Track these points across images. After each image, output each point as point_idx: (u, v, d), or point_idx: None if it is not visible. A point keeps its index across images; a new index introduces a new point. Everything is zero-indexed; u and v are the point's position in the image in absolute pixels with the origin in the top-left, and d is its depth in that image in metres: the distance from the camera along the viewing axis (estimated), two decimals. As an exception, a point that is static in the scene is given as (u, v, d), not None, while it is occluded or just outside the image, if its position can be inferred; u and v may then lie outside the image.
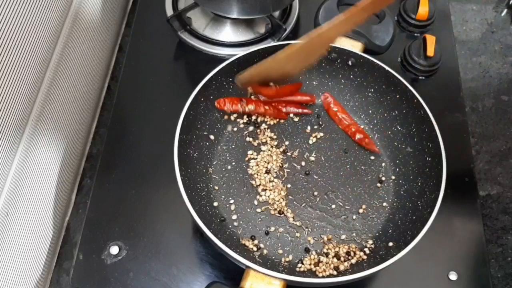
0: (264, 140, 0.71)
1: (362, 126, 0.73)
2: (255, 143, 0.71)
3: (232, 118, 0.73)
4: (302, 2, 0.90)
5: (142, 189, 0.70)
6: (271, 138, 0.72)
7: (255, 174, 0.68)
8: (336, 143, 0.72)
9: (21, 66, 0.56)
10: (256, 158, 0.70)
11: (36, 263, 0.66)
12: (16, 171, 0.58)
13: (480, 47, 0.94)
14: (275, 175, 0.69)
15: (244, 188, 0.68)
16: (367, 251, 0.63)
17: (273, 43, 0.73)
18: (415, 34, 0.89)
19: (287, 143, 0.72)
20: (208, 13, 0.85)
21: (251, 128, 0.72)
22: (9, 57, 0.53)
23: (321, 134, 0.73)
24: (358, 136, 0.71)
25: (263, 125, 0.73)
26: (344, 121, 0.73)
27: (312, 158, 0.71)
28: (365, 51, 0.73)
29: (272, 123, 0.73)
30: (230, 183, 0.68)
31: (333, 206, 0.67)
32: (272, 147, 0.71)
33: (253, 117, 0.73)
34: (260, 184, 0.67)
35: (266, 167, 0.69)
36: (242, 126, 0.73)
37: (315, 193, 0.68)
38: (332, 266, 0.61)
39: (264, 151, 0.70)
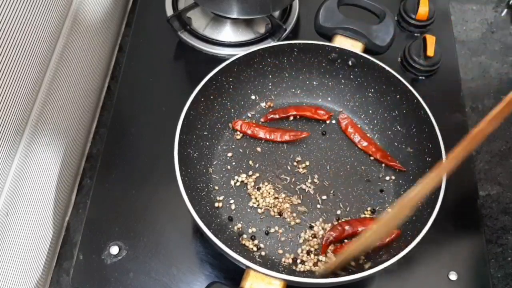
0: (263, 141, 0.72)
1: (361, 126, 0.73)
2: (255, 144, 0.71)
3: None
4: (302, 2, 0.90)
5: (142, 189, 0.70)
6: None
7: (252, 181, 0.68)
8: (336, 143, 0.72)
9: (21, 66, 0.56)
10: (255, 165, 0.70)
11: (36, 263, 0.66)
12: (16, 171, 0.58)
13: (480, 47, 0.94)
14: (274, 177, 0.69)
15: (244, 188, 0.68)
16: (368, 251, 0.63)
17: (273, 43, 0.73)
18: (415, 34, 0.89)
19: (286, 143, 0.72)
20: (208, 13, 0.85)
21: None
22: (9, 57, 0.53)
23: (321, 135, 0.73)
24: (379, 155, 0.70)
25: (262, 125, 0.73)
26: (362, 143, 0.71)
27: (312, 159, 0.71)
28: (365, 51, 0.73)
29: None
30: (230, 183, 0.68)
31: (333, 206, 0.67)
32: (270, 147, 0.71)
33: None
34: (260, 191, 0.68)
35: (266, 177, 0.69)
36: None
37: (316, 193, 0.68)
38: (332, 266, 0.61)
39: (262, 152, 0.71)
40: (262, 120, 0.73)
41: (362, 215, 0.66)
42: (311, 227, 0.65)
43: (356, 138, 0.72)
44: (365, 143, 0.71)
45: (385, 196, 0.68)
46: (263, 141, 0.72)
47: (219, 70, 0.68)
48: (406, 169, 0.69)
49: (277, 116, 0.73)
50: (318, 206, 0.67)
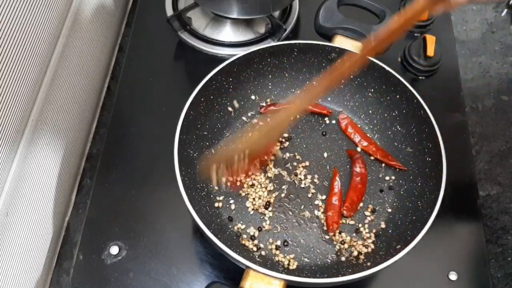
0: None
1: (361, 126, 0.73)
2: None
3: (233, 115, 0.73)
4: (302, 2, 0.90)
5: (142, 189, 0.70)
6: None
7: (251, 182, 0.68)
8: (336, 143, 0.72)
9: (21, 66, 0.56)
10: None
11: (36, 263, 0.66)
12: (16, 171, 0.58)
13: (480, 47, 0.94)
14: (273, 178, 0.69)
15: (244, 188, 0.68)
16: (367, 251, 0.63)
17: (273, 43, 0.73)
18: (415, 34, 0.89)
19: (287, 143, 0.72)
20: (208, 13, 0.85)
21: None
22: (9, 57, 0.53)
23: (321, 135, 0.73)
24: (379, 154, 0.70)
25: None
26: (363, 142, 0.71)
27: (312, 159, 0.71)
28: (365, 51, 0.72)
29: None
30: (230, 183, 0.68)
31: (333, 206, 0.67)
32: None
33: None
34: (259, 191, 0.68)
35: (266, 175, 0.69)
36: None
37: (316, 194, 0.68)
38: (332, 266, 0.61)
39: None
40: (261, 111, 0.74)
41: (362, 215, 0.66)
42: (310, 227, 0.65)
43: (356, 138, 0.72)
44: (365, 143, 0.71)
45: (385, 196, 0.68)
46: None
47: (219, 70, 0.68)
48: (406, 169, 0.69)
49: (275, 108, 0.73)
50: (318, 206, 0.67)
